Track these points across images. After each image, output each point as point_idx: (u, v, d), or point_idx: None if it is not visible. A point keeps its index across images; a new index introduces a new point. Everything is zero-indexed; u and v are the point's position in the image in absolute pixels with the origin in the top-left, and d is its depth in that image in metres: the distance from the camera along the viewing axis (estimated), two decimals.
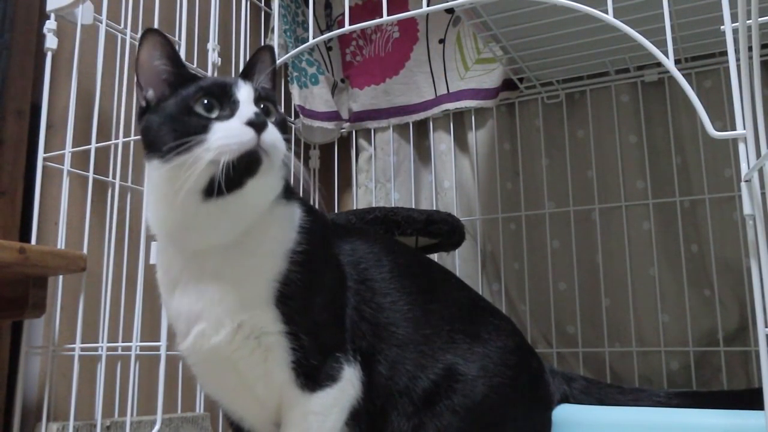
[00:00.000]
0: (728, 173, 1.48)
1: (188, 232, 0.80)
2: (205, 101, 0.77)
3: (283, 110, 1.71)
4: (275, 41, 1.58)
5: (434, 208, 1.71)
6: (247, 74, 0.87)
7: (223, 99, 0.78)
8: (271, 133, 0.76)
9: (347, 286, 0.86)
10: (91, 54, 1.24)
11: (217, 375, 0.85)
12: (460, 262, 1.69)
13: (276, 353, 0.81)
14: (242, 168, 0.75)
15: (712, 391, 1.32)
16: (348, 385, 0.82)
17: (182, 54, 1.19)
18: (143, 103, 0.82)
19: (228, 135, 0.74)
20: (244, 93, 0.79)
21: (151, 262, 1.05)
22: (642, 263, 1.54)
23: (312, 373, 0.81)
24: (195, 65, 1.46)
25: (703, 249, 1.49)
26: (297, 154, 1.99)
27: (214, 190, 0.75)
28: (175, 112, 0.77)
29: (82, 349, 1.14)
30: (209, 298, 0.80)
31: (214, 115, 0.76)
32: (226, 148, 0.73)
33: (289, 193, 0.87)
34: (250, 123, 0.75)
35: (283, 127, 0.82)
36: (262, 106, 0.80)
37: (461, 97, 1.74)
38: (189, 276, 0.81)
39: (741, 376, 1.42)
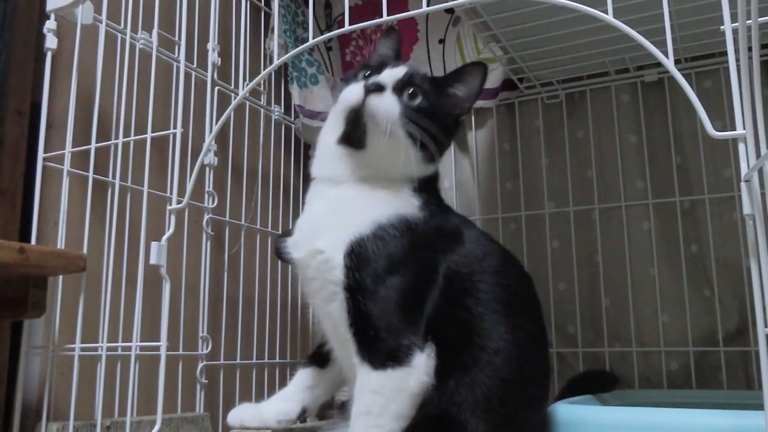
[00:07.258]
0: (728, 173, 1.48)
1: (324, 163, 0.98)
2: (364, 71, 0.97)
3: (282, 110, 1.71)
4: (275, 41, 1.58)
5: None
6: (398, 57, 1.07)
7: (374, 72, 0.95)
8: (381, 100, 0.89)
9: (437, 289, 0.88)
10: (91, 54, 1.24)
11: (311, 291, 0.93)
12: None
13: (338, 304, 0.86)
14: (351, 123, 0.91)
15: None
16: (418, 371, 0.81)
17: (182, 54, 1.19)
18: None
19: (345, 92, 0.93)
20: (389, 71, 0.95)
21: (151, 262, 1.04)
22: (642, 263, 1.54)
23: (373, 348, 0.82)
24: (195, 65, 1.46)
25: (703, 249, 1.49)
26: (297, 154, 1.98)
27: (346, 139, 0.94)
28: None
29: (82, 349, 1.14)
30: (313, 219, 0.94)
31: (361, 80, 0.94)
32: (340, 101, 0.94)
33: (424, 189, 0.97)
34: (365, 87, 0.90)
35: (428, 113, 0.93)
36: (411, 90, 0.93)
37: None
38: (314, 198, 0.97)
39: (741, 376, 1.42)
